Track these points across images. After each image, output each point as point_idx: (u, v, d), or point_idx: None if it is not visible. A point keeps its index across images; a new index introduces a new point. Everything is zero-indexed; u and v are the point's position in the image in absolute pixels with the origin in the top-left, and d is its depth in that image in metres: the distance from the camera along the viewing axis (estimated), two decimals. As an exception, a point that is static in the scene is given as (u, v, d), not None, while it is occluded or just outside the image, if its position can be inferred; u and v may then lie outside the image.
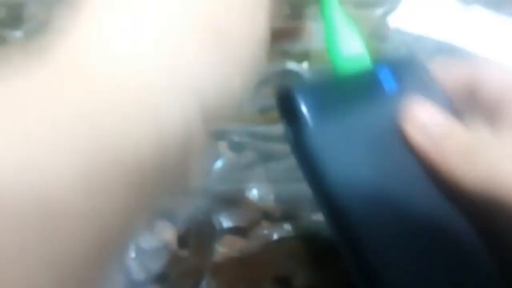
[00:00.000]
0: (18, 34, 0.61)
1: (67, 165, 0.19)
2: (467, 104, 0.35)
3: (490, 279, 0.31)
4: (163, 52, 0.23)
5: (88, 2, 0.25)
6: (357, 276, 0.30)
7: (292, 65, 0.56)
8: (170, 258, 0.34)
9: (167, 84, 0.23)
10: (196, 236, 0.37)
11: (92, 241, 0.20)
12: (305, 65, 0.56)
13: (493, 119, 0.33)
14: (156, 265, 0.40)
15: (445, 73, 0.36)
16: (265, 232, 0.43)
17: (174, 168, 0.23)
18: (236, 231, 0.43)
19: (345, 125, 0.32)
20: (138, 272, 0.40)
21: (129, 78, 0.22)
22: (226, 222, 0.43)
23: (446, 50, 0.58)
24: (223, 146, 0.47)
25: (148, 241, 0.41)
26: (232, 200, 0.44)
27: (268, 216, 0.43)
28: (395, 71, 0.35)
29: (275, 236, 0.42)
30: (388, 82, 0.34)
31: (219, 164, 0.46)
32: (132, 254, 0.41)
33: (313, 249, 0.42)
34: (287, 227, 0.43)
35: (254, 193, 0.44)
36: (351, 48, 0.35)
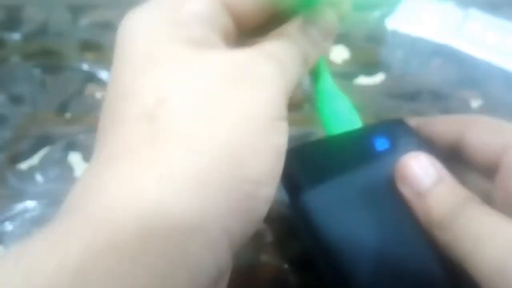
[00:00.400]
0: (16, 36, 0.61)
1: None
2: (456, 161, 0.35)
3: None
4: (191, 192, 0.23)
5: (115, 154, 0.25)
6: None
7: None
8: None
9: (197, 224, 0.23)
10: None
11: None
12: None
13: (486, 178, 0.34)
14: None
15: (432, 131, 0.37)
16: (261, 234, 0.43)
17: None
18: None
19: (339, 183, 0.32)
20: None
21: (159, 220, 0.22)
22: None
23: (444, 53, 0.58)
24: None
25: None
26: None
27: (269, 219, 0.43)
28: (384, 131, 0.36)
29: (271, 238, 0.42)
30: (378, 142, 0.35)
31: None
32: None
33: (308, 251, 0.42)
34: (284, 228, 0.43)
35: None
36: (342, 113, 0.36)
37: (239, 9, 0.30)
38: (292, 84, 0.29)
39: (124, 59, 0.28)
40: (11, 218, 0.44)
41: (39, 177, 0.47)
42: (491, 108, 0.53)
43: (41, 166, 0.48)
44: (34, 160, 0.49)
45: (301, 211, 0.32)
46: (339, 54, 0.59)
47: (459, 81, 0.56)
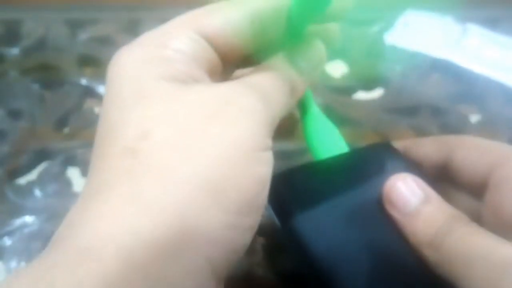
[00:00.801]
0: (15, 51, 0.61)
1: None
2: (444, 183, 0.36)
3: None
4: (169, 223, 0.24)
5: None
6: None
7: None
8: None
9: (177, 253, 0.24)
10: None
11: None
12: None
13: (474, 198, 0.34)
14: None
15: (420, 153, 0.37)
16: (258, 245, 0.42)
17: None
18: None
19: (328, 207, 0.33)
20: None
21: (138, 250, 0.23)
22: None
23: (442, 68, 0.58)
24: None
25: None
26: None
27: (260, 228, 0.43)
28: (371, 155, 0.36)
29: (269, 248, 0.42)
30: (365, 165, 0.35)
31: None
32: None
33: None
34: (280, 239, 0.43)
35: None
36: (329, 139, 0.37)
37: (224, 44, 0.30)
38: (277, 114, 0.30)
39: (112, 95, 0.28)
40: (9, 233, 0.44)
41: (37, 192, 0.47)
42: (490, 123, 0.53)
43: (40, 181, 0.48)
44: (33, 175, 0.49)
45: (291, 235, 0.32)
46: (338, 69, 0.59)
47: (458, 96, 0.56)
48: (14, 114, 0.54)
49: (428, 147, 0.37)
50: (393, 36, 0.60)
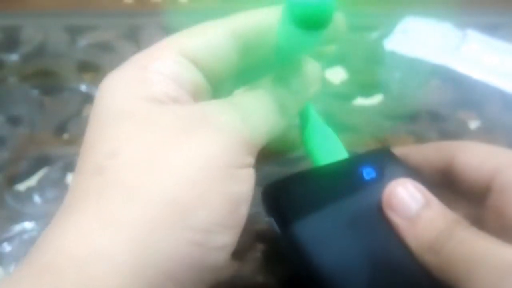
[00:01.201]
0: (14, 57, 0.61)
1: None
2: (445, 189, 0.35)
3: None
4: (131, 238, 0.24)
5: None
6: None
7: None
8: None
9: (137, 269, 0.24)
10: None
11: None
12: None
13: (475, 204, 0.34)
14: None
15: (421, 158, 0.37)
16: (260, 254, 0.42)
17: None
18: (232, 254, 0.43)
19: (327, 213, 0.33)
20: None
21: (99, 265, 0.23)
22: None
23: (442, 74, 0.58)
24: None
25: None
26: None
27: (262, 238, 0.43)
28: (370, 161, 0.36)
29: (270, 259, 0.42)
30: (364, 171, 0.35)
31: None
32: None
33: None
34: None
35: (248, 215, 0.44)
36: (328, 145, 0.37)
37: (207, 65, 0.31)
38: (262, 132, 0.30)
39: (93, 114, 0.29)
40: (9, 239, 0.44)
41: (37, 198, 0.47)
42: (489, 129, 0.54)
43: (39, 187, 0.48)
44: (32, 181, 0.49)
45: (290, 242, 0.32)
46: (337, 75, 0.59)
47: (457, 102, 0.56)
48: (14, 120, 0.54)
49: (429, 153, 0.37)
50: (393, 42, 0.60)
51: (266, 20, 0.32)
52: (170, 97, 0.29)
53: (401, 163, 0.36)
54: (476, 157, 0.35)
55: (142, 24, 0.65)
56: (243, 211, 0.28)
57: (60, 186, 0.48)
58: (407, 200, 0.32)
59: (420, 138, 0.52)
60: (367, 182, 0.34)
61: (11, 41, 0.63)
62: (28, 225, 0.45)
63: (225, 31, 0.31)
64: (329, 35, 0.33)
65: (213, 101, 0.30)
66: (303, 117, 0.36)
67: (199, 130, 0.27)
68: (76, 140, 0.52)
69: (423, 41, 0.60)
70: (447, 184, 0.36)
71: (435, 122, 0.54)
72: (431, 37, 0.61)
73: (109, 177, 0.26)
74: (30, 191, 0.47)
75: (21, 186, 0.48)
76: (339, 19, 0.33)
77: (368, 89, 0.58)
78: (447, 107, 0.55)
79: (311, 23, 0.26)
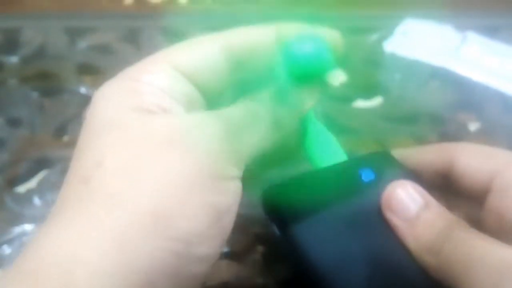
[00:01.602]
0: (14, 59, 0.61)
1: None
2: (443, 191, 0.35)
3: None
4: (110, 245, 0.24)
5: None
6: None
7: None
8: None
9: (115, 274, 0.24)
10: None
11: None
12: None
13: (475, 205, 0.34)
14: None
15: (420, 160, 0.37)
16: (260, 257, 0.42)
17: None
18: (231, 256, 0.43)
19: (327, 215, 0.33)
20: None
21: (79, 271, 0.24)
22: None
23: (442, 76, 0.58)
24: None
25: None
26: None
27: (262, 241, 0.43)
28: (370, 163, 0.36)
29: (270, 261, 0.42)
30: (364, 173, 0.35)
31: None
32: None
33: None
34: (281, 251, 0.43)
35: (248, 217, 0.44)
36: (328, 148, 0.37)
37: (199, 78, 0.32)
38: (251, 145, 0.30)
39: (85, 125, 0.30)
40: (9, 242, 0.43)
41: (37, 200, 0.47)
42: (489, 131, 0.54)
43: (39, 189, 0.48)
44: (32, 183, 0.49)
45: (289, 243, 0.32)
46: (337, 77, 0.59)
47: (457, 104, 0.56)
48: (14, 122, 0.54)
49: (429, 155, 0.37)
50: (392, 45, 0.60)
51: (260, 39, 0.33)
52: (162, 108, 0.29)
53: (400, 165, 0.37)
54: (475, 159, 0.35)
55: (142, 26, 0.65)
56: (226, 222, 0.28)
57: (60, 188, 0.48)
58: (406, 202, 0.32)
59: (420, 140, 0.52)
60: (366, 184, 0.34)
61: (11, 43, 0.63)
62: (28, 227, 0.45)
63: (217, 46, 0.32)
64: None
65: (201, 113, 0.31)
66: (302, 120, 0.36)
67: (183, 141, 0.27)
68: (76, 142, 0.52)
69: (423, 43, 0.60)
70: (447, 186, 0.36)
71: (435, 124, 0.54)
72: (431, 39, 0.61)
73: (93, 186, 0.26)
74: (30, 193, 0.47)
75: (21, 188, 0.48)
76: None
77: (368, 91, 0.58)
78: (447, 109, 0.55)
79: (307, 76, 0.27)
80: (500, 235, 0.29)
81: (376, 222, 0.33)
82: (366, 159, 0.37)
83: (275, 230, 0.34)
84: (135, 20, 0.66)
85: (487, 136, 0.53)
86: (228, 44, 0.32)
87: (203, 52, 0.32)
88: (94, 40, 0.63)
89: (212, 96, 0.33)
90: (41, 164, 0.50)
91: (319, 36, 0.33)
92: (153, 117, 0.28)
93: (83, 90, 0.57)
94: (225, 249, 0.43)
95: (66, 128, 0.53)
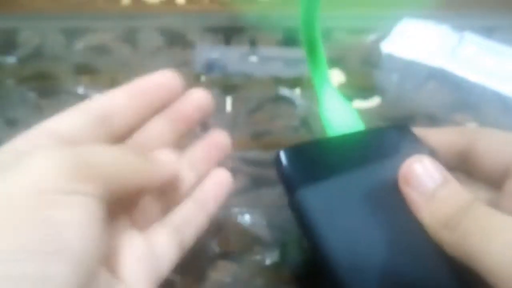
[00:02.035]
0: (11, 59, 0.61)
1: None
2: (461, 172, 0.36)
3: None
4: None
5: None
6: None
7: (284, 91, 0.56)
8: (161, 283, 0.34)
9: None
10: (189, 261, 0.37)
11: None
12: (297, 91, 0.57)
13: (492, 189, 0.35)
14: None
15: (438, 141, 0.37)
16: (258, 257, 0.42)
17: None
18: (229, 256, 0.43)
19: (337, 183, 0.33)
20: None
21: None
22: (218, 247, 0.43)
23: (439, 76, 0.58)
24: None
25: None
26: (225, 225, 0.44)
27: (260, 241, 0.43)
28: (387, 135, 0.36)
29: (268, 262, 0.42)
30: (380, 144, 0.35)
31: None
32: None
33: (303, 276, 0.42)
34: (279, 252, 0.43)
35: (246, 218, 0.44)
36: (344, 116, 0.37)
37: (76, 140, 0.35)
38: (99, 162, 0.31)
39: None
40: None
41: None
42: (486, 131, 0.53)
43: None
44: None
45: (297, 208, 0.32)
46: (335, 77, 0.59)
47: (454, 104, 0.56)
48: (11, 123, 0.54)
49: (449, 136, 0.37)
50: (390, 45, 0.60)
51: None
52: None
53: (419, 140, 0.36)
54: (496, 143, 0.35)
55: (139, 27, 0.64)
56: (68, 237, 0.27)
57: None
58: (425, 177, 0.32)
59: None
60: (382, 156, 0.34)
61: (8, 44, 0.63)
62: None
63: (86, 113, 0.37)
64: None
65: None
66: (320, 88, 0.36)
67: (19, 161, 0.28)
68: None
69: (420, 43, 0.60)
70: (464, 168, 0.36)
71: (432, 125, 0.54)
72: (428, 40, 0.61)
73: None
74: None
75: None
76: None
77: (365, 92, 0.58)
78: (444, 110, 0.55)
79: None
80: None
81: (390, 195, 0.32)
82: (384, 131, 0.37)
83: (285, 193, 0.34)
84: (132, 21, 0.65)
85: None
86: (95, 110, 0.37)
87: (75, 119, 0.37)
88: (91, 40, 0.63)
89: None
90: (38, 164, 0.49)
91: None
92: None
93: (80, 90, 0.57)
94: (222, 249, 0.43)
95: (63, 128, 0.53)
